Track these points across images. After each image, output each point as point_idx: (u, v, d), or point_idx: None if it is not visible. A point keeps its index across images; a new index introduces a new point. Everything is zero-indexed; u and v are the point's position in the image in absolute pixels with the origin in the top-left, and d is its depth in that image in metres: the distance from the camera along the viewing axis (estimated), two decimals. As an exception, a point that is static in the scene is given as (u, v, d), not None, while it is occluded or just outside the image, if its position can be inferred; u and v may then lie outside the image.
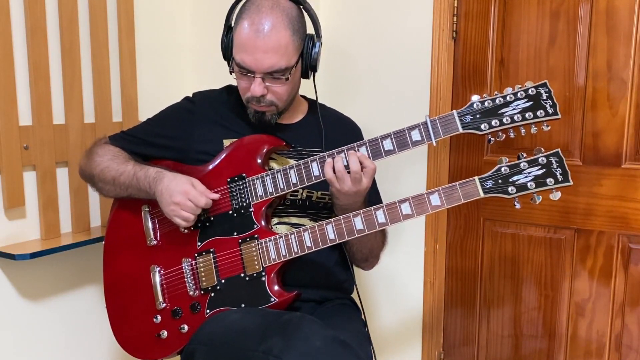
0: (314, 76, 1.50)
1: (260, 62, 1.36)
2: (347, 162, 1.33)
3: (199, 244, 1.44)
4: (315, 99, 1.58)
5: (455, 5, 1.87)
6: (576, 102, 1.75)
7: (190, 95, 1.60)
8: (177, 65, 2.24)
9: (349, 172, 1.32)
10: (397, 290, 2.04)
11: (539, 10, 1.76)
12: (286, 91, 1.44)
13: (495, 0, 1.82)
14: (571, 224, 1.79)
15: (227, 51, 1.45)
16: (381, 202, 1.39)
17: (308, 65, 1.45)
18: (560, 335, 1.85)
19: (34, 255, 1.63)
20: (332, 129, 1.55)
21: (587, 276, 1.79)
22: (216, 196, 1.41)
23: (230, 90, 1.61)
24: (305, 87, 1.56)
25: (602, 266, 1.77)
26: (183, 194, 1.37)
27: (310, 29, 1.46)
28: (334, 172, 1.33)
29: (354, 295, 1.62)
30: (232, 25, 1.43)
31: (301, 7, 1.44)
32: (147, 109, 1.96)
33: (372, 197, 1.51)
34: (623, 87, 1.68)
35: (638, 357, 1.75)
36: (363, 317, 1.56)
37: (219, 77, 1.99)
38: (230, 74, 1.47)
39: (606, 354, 1.79)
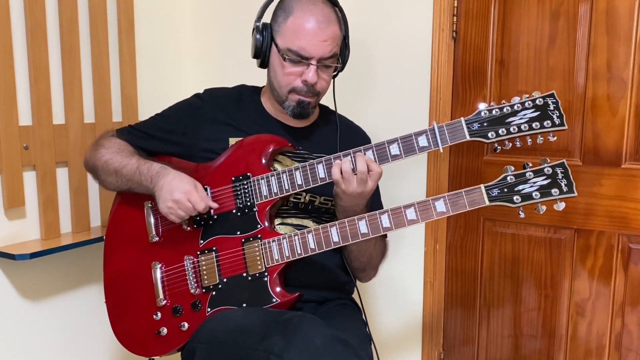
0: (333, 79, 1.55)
1: (320, 48, 1.42)
2: (353, 164, 1.33)
3: (202, 242, 1.44)
4: (325, 103, 1.62)
5: (455, 5, 1.87)
6: (576, 102, 1.75)
7: (201, 91, 1.60)
8: (177, 65, 2.24)
9: (355, 174, 1.33)
10: (397, 290, 2.04)
11: (539, 10, 1.77)
12: (329, 82, 1.50)
13: (495, 0, 1.83)
14: (571, 224, 1.80)
15: (265, 47, 1.46)
16: (382, 208, 1.39)
17: (340, 65, 1.51)
18: (560, 335, 1.85)
19: (34, 255, 1.64)
20: (344, 136, 1.57)
21: (587, 276, 1.79)
22: (215, 205, 1.41)
23: (242, 89, 1.61)
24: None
25: (602, 266, 1.77)
26: (184, 194, 1.37)
27: None
28: (341, 173, 1.34)
29: (355, 296, 1.62)
30: (276, 19, 1.46)
31: (337, 8, 1.49)
32: (147, 109, 1.97)
33: (374, 201, 1.51)
34: (623, 87, 1.68)
35: (638, 357, 1.75)
36: (364, 317, 1.56)
37: (219, 76, 2.00)
38: (263, 67, 1.50)
39: (606, 354, 1.79)
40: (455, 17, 1.88)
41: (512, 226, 1.89)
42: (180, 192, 1.37)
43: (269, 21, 1.49)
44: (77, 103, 1.81)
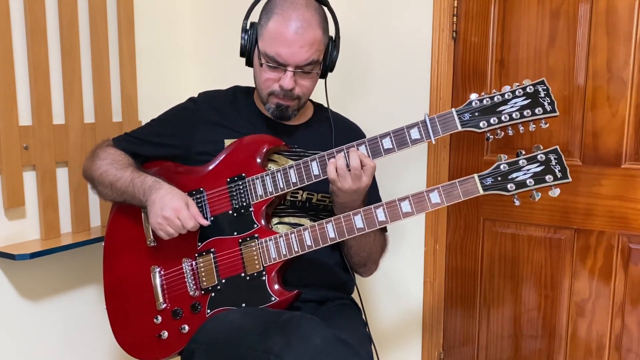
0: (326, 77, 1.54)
1: (297, 55, 1.39)
2: (347, 160, 1.33)
3: (199, 244, 1.45)
4: (320, 101, 1.62)
5: (455, 5, 1.87)
6: (576, 102, 1.75)
7: (195, 95, 1.61)
8: (177, 65, 2.24)
9: (349, 171, 1.33)
10: (397, 290, 2.04)
11: (539, 10, 1.76)
12: (311, 86, 1.48)
13: (495, 0, 1.83)
14: (571, 224, 1.79)
15: (249, 46, 1.46)
16: (381, 201, 1.39)
17: (327, 65, 1.49)
18: (560, 335, 1.85)
19: (34, 255, 1.64)
20: (339, 133, 1.57)
21: (587, 276, 1.79)
22: (206, 222, 1.41)
23: (236, 91, 1.62)
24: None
25: (602, 266, 1.77)
26: (174, 211, 1.37)
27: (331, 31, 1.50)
28: (336, 171, 1.34)
29: (355, 295, 1.62)
30: (260, 20, 1.45)
31: (326, 8, 1.48)
32: (147, 109, 1.97)
33: (372, 196, 1.51)
34: (623, 87, 1.68)
35: (638, 358, 1.75)
36: (364, 317, 1.56)
37: (219, 76, 1.99)
38: (249, 65, 1.50)
39: (606, 354, 1.79)
40: (455, 17, 1.88)
41: (511, 226, 1.89)
42: (170, 209, 1.37)
43: (257, 20, 1.48)
44: (77, 103, 1.81)
